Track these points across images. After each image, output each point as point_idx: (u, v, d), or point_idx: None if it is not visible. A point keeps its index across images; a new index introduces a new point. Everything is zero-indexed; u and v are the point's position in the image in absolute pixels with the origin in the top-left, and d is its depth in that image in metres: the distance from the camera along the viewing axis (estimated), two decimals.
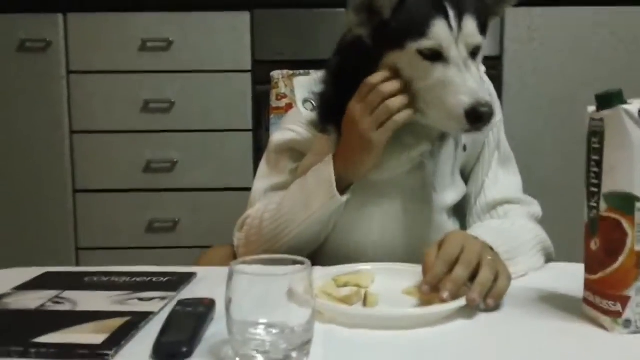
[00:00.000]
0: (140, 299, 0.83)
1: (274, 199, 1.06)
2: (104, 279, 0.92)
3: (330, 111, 1.02)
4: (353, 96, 0.97)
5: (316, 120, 1.05)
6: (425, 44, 0.89)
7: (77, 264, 2.16)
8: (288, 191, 1.03)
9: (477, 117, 0.86)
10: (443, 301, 0.76)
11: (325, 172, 0.97)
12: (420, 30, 0.89)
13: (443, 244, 0.82)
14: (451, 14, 0.88)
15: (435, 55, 0.89)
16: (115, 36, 2.12)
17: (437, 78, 0.89)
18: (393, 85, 0.91)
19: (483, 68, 1.08)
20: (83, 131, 2.15)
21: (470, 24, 0.89)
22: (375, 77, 0.92)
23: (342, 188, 0.97)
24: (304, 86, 1.09)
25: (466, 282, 0.78)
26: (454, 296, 0.76)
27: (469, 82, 0.87)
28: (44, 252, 2.16)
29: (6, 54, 2.12)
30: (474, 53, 0.91)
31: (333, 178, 0.96)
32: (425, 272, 0.81)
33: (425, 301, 0.80)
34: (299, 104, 1.08)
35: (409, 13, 0.90)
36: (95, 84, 2.13)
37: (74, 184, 2.17)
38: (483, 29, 0.92)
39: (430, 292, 0.78)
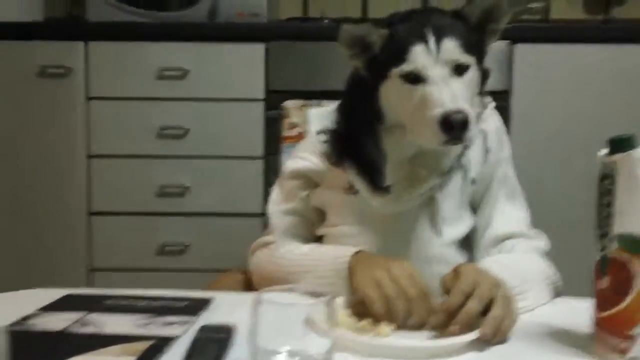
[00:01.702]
0: (163, 323, 0.85)
1: (297, 250, 1.07)
2: (125, 302, 0.95)
3: (342, 146, 1.06)
4: (361, 130, 1.01)
5: (329, 153, 1.08)
6: (405, 68, 0.94)
7: (90, 284, 2.18)
8: (308, 256, 1.04)
9: (449, 125, 0.88)
10: (453, 333, 0.79)
11: (342, 270, 0.96)
12: (401, 56, 0.94)
13: (459, 276, 0.85)
14: (430, 38, 0.93)
15: (416, 78, 0.93)
16: (134, 64, 2.17)
17: (418, 98, 0.93)
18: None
19: (492, 103, 1.11)
20: (100, 155, 2.20)
21: (449, 44, 0.93)
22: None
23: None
24: (318, 118, 1.13)
25: (478, 315, 0.81)
26: (465, 329, 0.79)
27: (444, 95, 0.90)
28: (58, 272, 2.18)
29: (27, 80, 2.17)
30: (459, 70, 0.94)
31: (346, 272, 0.95)
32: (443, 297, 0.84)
33: (437, 333, 0.82)
34: (313, 135, 1.11)
35: (394, 44, 0.96)
36: (113, 110, 2.18)
37: (89, 206, 2.20)
38: (470, 47, 0.95)
39: (444, 319, 0.81)
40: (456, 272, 0.86)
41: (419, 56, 0.93)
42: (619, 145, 0.71)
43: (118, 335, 0.80)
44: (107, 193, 2.21)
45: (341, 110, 1.08)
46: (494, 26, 0.99)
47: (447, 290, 0.85)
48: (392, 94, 0.97)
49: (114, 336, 0.80)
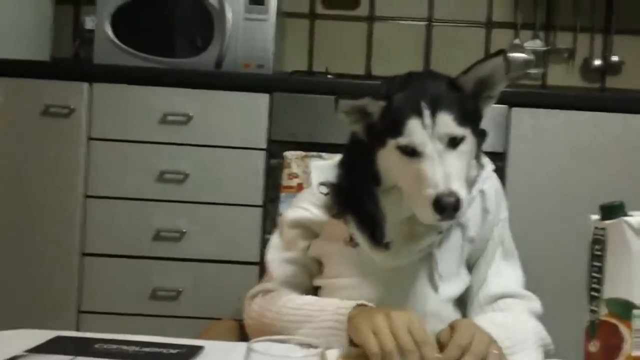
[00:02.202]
0: None
1: (297, 300, 1.07)
2: (114, 346, 0.93)
3: (344, 199, 1.07)
4: (361, 189, 1.03)
5: (330, 204, 1.10)
6: (401, 141, 0.96)
7: (78, 327, 2.15)
8: (308, 308, 1.04)
9: (441, 207, 0.90)
10: None
11: (340, 326, 0.96)
12: (398, 129, 0.96)
13: (456, 330, 0.85)
14: (426, 112, 0.95)
15: (412, 151, 0.95)
16: (138, 108, 2.20)
17: (413, 172, 0.95)
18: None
19: (491, 165, 1.14)
20: (97, 196, 2.20)
21: (444, 118, 0.95)
22: None
23: None
24: (320, 170, 1.14)
25: None
26: None
27: (438, 175, 0.92)
28: (47, 312, 2.15)
29: (31, 118, 2.20)
30: (453, 143, 0.96)
31: (346, 321, 0.95)
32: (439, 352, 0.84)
33: None
34: (314, 186, 1.13)
35: (392, 115, 0.98)
36: (114, 151, 2.20)
37: (83, 247, 2.20)
38: (464, 118, 0.97)
39: None
40: (452, 327, 0.87)
41: (415, 131, 0.95)
42: (610, 211, 0.73)
43: None
44: (102, 234, 2.20)
45: (342, 166, 1.11)
46: (490, 93, 1.02)
47: (442, 346, 0.85)
48: (388, 161, 1.00)
49: None
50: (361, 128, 1.03)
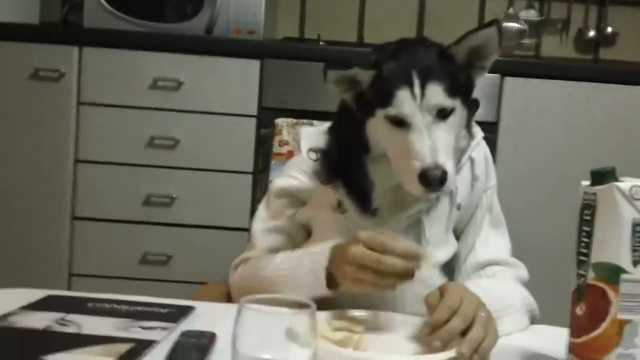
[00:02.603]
0: (143, 327, 0.86)
1: (276, 259, 1.08)
2: (107, 305, 0.95)
3: (333, 166, 1.07)
4: (349, 156, 1.03)
5: (319, 170, 1.10)
6: (390, 111, 0.95)
7: (69, 290, 2.16)
8: (286, 261, 1.05)
9: (428, 181, 0.91)
10: (434, 349, 0.80)
11: (320, 266, 0.97)
12: (387, 99, 0.95)
13: (445, 292, 0.87)
14: (415, 82, 0.94)
15: (401, 122, 0.95)
16: (128, 73, 2.18)
17: (401, 143, 0.95)
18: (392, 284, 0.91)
19: (481, 133, 1.14)
20: (88, 161, 2.20)
21: (434, 90, 0.94)
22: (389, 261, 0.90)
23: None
24: (310, 136, 1.14)
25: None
26: (445, 346, 0.80)
27: (425, 147, 0.92)
28: (38, 275, 2.17)
29: (19, 81, 2.17)
30: (442, 115, 0.96)
31: (324, 279, 0.96)
32: (429, 313, 0.86)
33: (416, 349, 0.84)
34: (304, 153, 1.13)
35: (381, 84, 0.97)
36: (104, 116, 2.19)
37: (74, 211, 2.20)
38: (454, 89, 0.96)
39: (431, 334, 0.82)
40: (442, 290, 0.88)
41: (404, 101, 0.94)
42: (601, 177, 0.73)
43: (98, 336, 0.81)
44: (92, 199, 2.20)
45: (331, 133, 1.10)
46: (482, 63, 1.01)
47: (431, 308, 0.86)
48: (377, 131, 0.99)
49: (94, 337, 0.81)
50: (350, 97, 1.02)
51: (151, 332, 0.84)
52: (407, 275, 0.89)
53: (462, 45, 0.98)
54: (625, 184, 0.72)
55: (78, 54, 2.18)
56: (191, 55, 2.18)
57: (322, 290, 0.96)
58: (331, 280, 0.96)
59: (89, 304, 0.95)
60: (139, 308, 0.95)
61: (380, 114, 0.97)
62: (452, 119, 0.97)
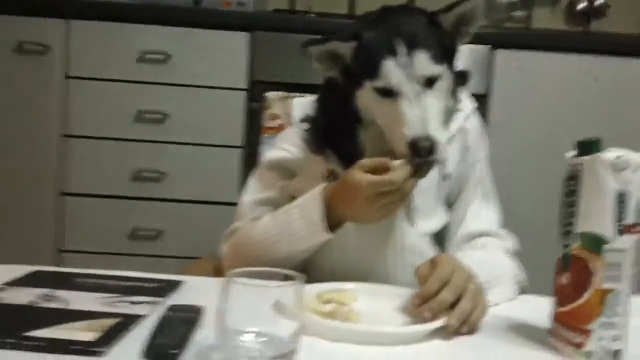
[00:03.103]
0: (131, 302, 0.86)
1: (263, 219, 1.08)
2: (94, 280, 0.95)
3: (322, 135, 1.07)
4: (340, 125, 1.02)
5: (310, 140, 1.09)
6: (377, 83, 0.95)
7: (58, 266, 2.16)
8: (276, 216, 1.05)
9: (418, 152, 0.91)
10: (424, 319, 0.81)
11: (314, 211, 0.98)
12: (374, 70, 0.94)
13: (437, 264, 0.87)
14: (401, 50, 0.94)
15: (389, 92, 0.95)
16: (115, 46, 2.16)
17: (390, 113, 0.95)
18: (410, 185, 0.94)
19: (474, 104, 1.13)
20: (76, 136, 2.18)
21: (421, 58, 0.94)
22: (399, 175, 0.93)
23: (330, 222, 0.99)
24: (302, 106, 1.13)
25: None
26: (435, 317, 0.81)
27: (415, 117, 0.93)
28: (26, 251, 2.16)
29: (3, 55, 2.14)
30: (430, 82, 0.95)
31: (322, 219, 0.97)
32: (420, 285, 0.86)
33: (405, 319, 0.85)
34: (296, 122, 1.12)
35: (365, 55, 0.96)
36: (92, 90, 2.17)
37: (63, 186, 2.18)
38: (441, 56, 0.96)
39: (420, 305, 0.83)
40: (433, 261, 0.89)
41: (391, 71, 0.94)
42: (586, 147, 0.73)
43: (84, 312, 0.80)
44: (81, 174, 2.19)
45: (322, 103, 1.10)
46: (467, 29, 1.00)
47: (422, 279, 0.87)
48: (366, 102, 0.99)
49: (79, 312, 0.80)
50: (336, 72, 1.01)
51: (138, 307, 0.84)
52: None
53: (451, 13, 0.98)
54: (610, 154, 0.72)
55: (64, 27, 2.14)
56: (179, 28, 2.15)
57: (321, 235, 0.97)
58: (331, 224, 0.97)
59: (76, 280, 0.95)
60: (127, 283, 0.95)
61: (368, 85, 0.96)
62: (439, 85, 0.97)
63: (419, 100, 0.94)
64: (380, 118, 0.98)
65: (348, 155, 1.04)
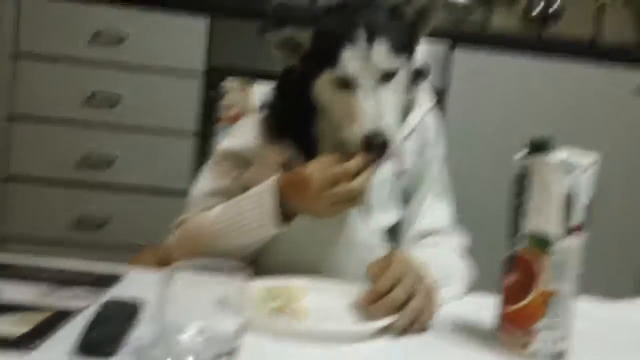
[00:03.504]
0: (67, 295, 0.82)
1: (214, 209, 1.06)
2: (29, 271, 0.90)
3: (279, 124, 1.05)
4: (296, 112, 1.00)
5: (266, 128, 1.07)
6: (335, 73, 0.94)
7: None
8: (227, 206, 1.03)
9: (372, 147, 0.91)
10: (375, 317, 0.80)
11: (267, 202, 0.96)
12: (332, 59, 0.93)
13: (389, 262, 0.86)
14: (361, 42, 0.93)
15: (346, 83, 0.94)
16: (68, 24, 2.07)
17: (346, 104, 0.94)
18: (362, 179, 0.93)
19: (433, 100, 1.12)
20: (22, 117, 2.10)
21: (380, 50, 0.93)
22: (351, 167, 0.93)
23: (283, 214, 0.97)
24: (263, 93, 1.11)
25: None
26: (386, 315, 0.80)
27: (370, 111, 0.92)
28: None
29: None
30: (388, 76, 0.95)
31: (275, 211, 0.96)
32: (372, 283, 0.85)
33: (352, 317, 0.83)
34: (255, 110, 1.10)
35: (324, 43, 0.95)
36: (41, 70, 2.08)
37: (6, 171, 2.10)
38: (401, 48, 0.95)
39: (371, 303, 0.82)
40: (386, 259, 0.88)
41: (349, 62, 0.93)
42: (537, 147, 0.73)
43: (15, 304, 0.77)
44: (27, 158, 2.10)
45: (279, 91, 1.08)
46: (427, 22, 1.00)
47: (374, 277, 0.86)
48: (323, 91, 0.98)
49: (10, 305, 0.77)
50: (296, 60, 0.99)
51: (74, 300, 0.81)
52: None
53: (411, 5, 0.97)
54: (559, 154, 0.72)
55: (14, 3, 2.05)
56: (135, 9, 2.09)
57: (273, 227, 0.96)
58: (283, 216, 0.96)
59: (10, 270, 0.90)
60: (64, 275, 0.91)
61: (325, 74, 0.95)
62: (397, 78, 0.96)
63: (375, 94, 0.93)
64: (336, 109, 0.97)
65: (304, 145, 1.02)
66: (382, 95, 0.93)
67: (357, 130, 0.92)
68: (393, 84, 0.95)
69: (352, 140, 0.93)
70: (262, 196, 0.98)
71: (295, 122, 1.03)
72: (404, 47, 0.97)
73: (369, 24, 0.94)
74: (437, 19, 1.00)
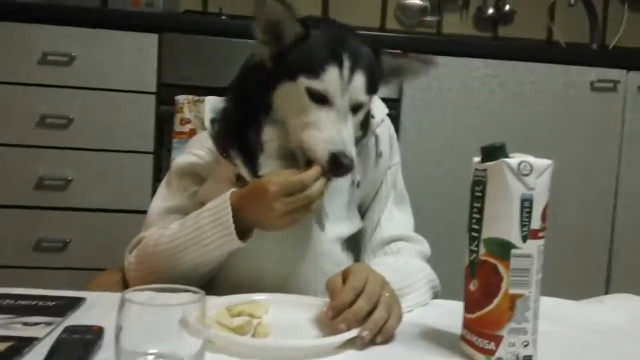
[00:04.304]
0: (25, 324, 0.80)
1: (171, 226, 1.04)
2: None
3: (231, 134, 1.03)
4: (251, 119, 1.00)
5: (218, 141, 1.05)
6: (315, 84, 0.94)
7: None
8: (184, 223, 1.01)
9: (337, 166, 0.92)
10: (339, 331, 0.79)
11: (224, 216, 0.95)
12: (315, 70, 0.93)
13: (350, 274, 0.86)
14: (346, 64, 0.94)
15: (321, 99, 0.94)
16: (15, 47, 2.04)
17: (316, 119, 0.94)
18: (319, 187, 0.92)
19: (385, 110, 1.13)
20: None
21: (359, 80, 0.95)
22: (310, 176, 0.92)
23: (239, 228, 0.96)
24: (214, 105, 1.09)
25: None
26: (351, 327, 0.80)
27: (341, 133, 0.93)
28: None
29: None
30: (355, 109, 0.96)
31: (232, 225, 0.95)
32: (332, 297, 0.85)
33: (318, 332, 0.83)
34: (207, 122, 1.08)
35: (308, 50, 0.95)
36: None
37: None
38: (371, 88, 0.97)
39: (334, 317, 0.81)
40: (345, 272, 0.88)
41: (332, 80, 0.93)
42: (491, 153, 0.74)
43: None
44: None
45: (230, 97, 1.06)
46: (400, 80, 1.06)
47: (333, 292, 0.85)
48: (291, 97, 0.97)
49: None
50: (269, 53, 0.98)
51: (34, 329, 0.78)
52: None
53: (395, 61, 1.01)
54: (514, 160, 0.73)
55: None
56: (85, 29, 2.06)
57: (232, 241, 0.95)
58: (241, 230, 0.94)
59: None
60: (23, 302, 0.88)
61: (302, 82, 0.94)
62: (360, 114, 0.98)
63: (345, 119, 0.94)
64: (299, 118, 0.96)
65: (248, 152, 1.01)
66: (349, 123, 0.95)
67: (325, 147, 0.92)
68: (357, 117, 0.97)
69: (314, 153, 0.93)
70: (218, 209, 0.96)
71: (244, 130, 1.01)
72: (374, 84, 0.99)
73: (355, 52, 0.95)
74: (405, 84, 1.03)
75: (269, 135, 1.01)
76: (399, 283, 0.94)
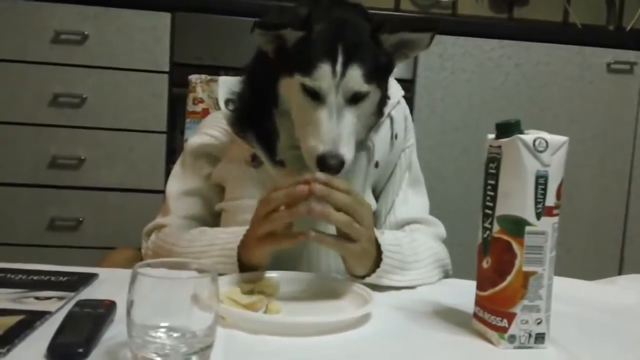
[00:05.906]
0: (37, 298, 0.80)
1: (192, 231, 1.04)
2: (1, 275, 0.88)
3: (246, 115, 1.04)
4: (259, 106, 1.00)
5: (234, 121, 1.05)
6: (307, 81, 0.93)
7: None
8: (202, 234, 1.02)
9: (324, 167, 0.91)
10: (309, 236, 0.85)
11: (232, 245, 0.94)
12: (308, 67, 0.93)
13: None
14: (339, 60, 0.92)
15: (315, 95, 0.93)
16: (28, 25, 2.03)
17: (310, 116, 0.93)
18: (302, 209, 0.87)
19: (401, 92, 1.12)
20: None
21: (354, 73, 0.93)
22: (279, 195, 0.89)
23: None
24: (228, 86, 1.09)
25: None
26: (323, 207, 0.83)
27: (330, 132, 0.92)
28: None
29: None
30: (356, 98, 0.94)
31: (235, 255, 0.93)
32: None
33: (328, 310, 0.83)
34: (221, 103, 1.08)
35: (306, 49, 0.94)
36: (3, 73, 2.04)
37: None
38: (374, 75, 0.95)
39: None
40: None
41: (323, 77, 0.92)
42: (506, 129, 0.73)
43: None
44: None
45: (246, 80, 1.06)
46: (407, 53, 0.99)
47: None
48: (289, 92, 0.97)
49: None
50: (272, 49, 0.98)
51: (45, 303, 0.79)
52: (301, 194, 0.86)
53: (394, 37, 0.96)
54: (529, 136, 0.72)
55: None
56: (97, 7, 2.06)
57: (233, 270, 0.94)
58: (242, 263, 0.94)
59: None
60: (35, 277, 0.89)
61: (297, 78, 0.94)
62: (364, 103, 0.96)
63: (339, 114, 0.93)
64: (298, 114, 0.96)
65: (265, 137, 1.01)
66: (345, 116, 0.93)
67: (314, 146, 0.91)
68: (359, 108, 0.95)
69: (305, 153, 0.94)
70: (231, 238, 0.95)
71: (259, 113, 1.02)
72: (378, 72, 0.96)
73: (350, 42, 0.93)
74: (418, 53, 1.00)
75: (281, 125, 1.01)
76: (400, 255, 0.95)
